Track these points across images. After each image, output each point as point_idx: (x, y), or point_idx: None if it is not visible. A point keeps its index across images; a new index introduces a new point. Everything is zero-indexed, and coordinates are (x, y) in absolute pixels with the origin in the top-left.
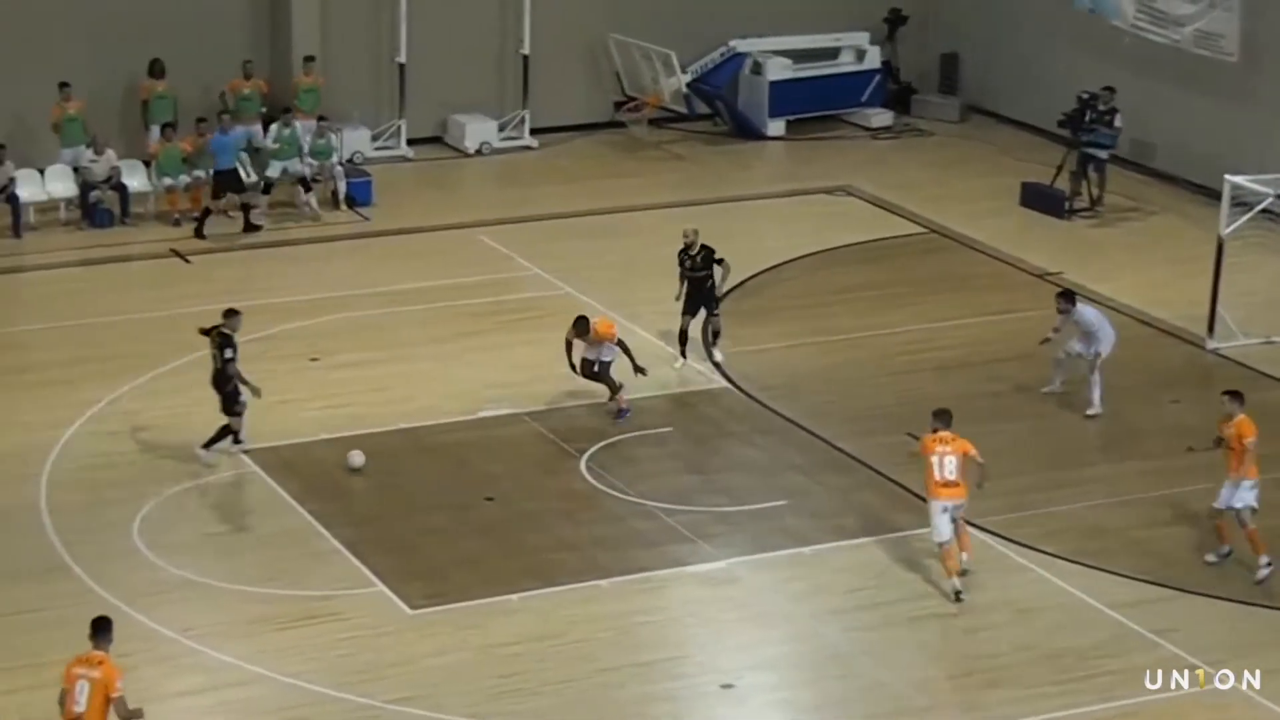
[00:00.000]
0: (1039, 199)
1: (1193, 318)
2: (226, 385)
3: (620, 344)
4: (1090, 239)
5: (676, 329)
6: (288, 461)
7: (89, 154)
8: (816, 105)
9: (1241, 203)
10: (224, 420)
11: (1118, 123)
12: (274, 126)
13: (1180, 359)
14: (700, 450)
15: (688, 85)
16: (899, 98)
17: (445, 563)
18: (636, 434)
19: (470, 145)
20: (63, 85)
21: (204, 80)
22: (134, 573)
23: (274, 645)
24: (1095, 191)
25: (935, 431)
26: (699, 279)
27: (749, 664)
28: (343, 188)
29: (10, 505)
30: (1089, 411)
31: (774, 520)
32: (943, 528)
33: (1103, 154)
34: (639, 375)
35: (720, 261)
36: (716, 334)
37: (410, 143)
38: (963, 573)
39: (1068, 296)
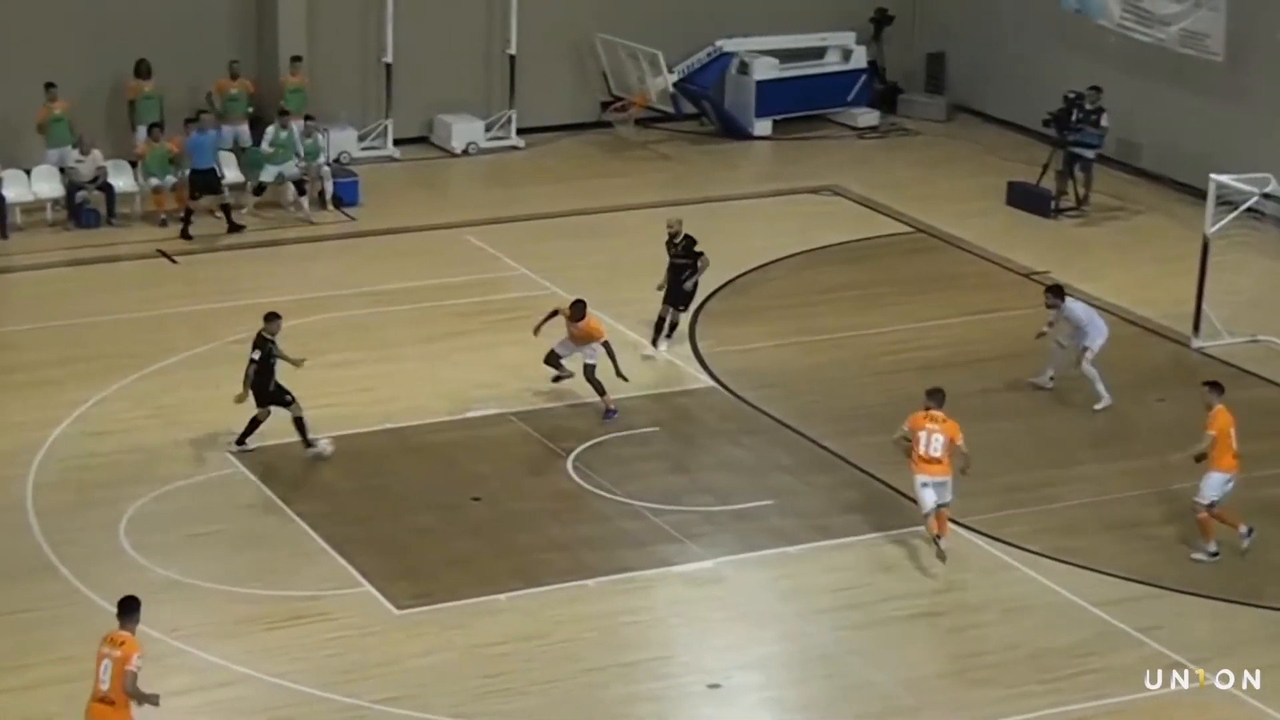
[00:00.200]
0: (1025, 198)
1: (1178, 316)
2: (268, 386)
3: (605, 345)
4: (1076, 238)
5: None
6: (274, 462)
7: (75, 154)
8: (803, 105)
9: (1227, 202)
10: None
11: (1104, 122)
12: (270, 129)
13: (1166, 357)
14: (687, 450)
15: (674, 85)
16: (885, 97)
17: (432, 563)
18: (623, 434)
19: (457, 145)
20: (49, 85)
21: (191, 80)
22: (121, 573)
23: (260, 645)
24: (1081, 191)
25: (927, 409)
26: (678, 267)
27: (736, 664)
28: (329, 188)
29: None
30: (1097, 406)
31: (761, 520)
32: (925, 499)
33: (1089, 153)
34: (620, 379)
35: (700, 255)
36: (673, 327)
37: (397, 143)
38: (940, 554)
39: (1056, 291)
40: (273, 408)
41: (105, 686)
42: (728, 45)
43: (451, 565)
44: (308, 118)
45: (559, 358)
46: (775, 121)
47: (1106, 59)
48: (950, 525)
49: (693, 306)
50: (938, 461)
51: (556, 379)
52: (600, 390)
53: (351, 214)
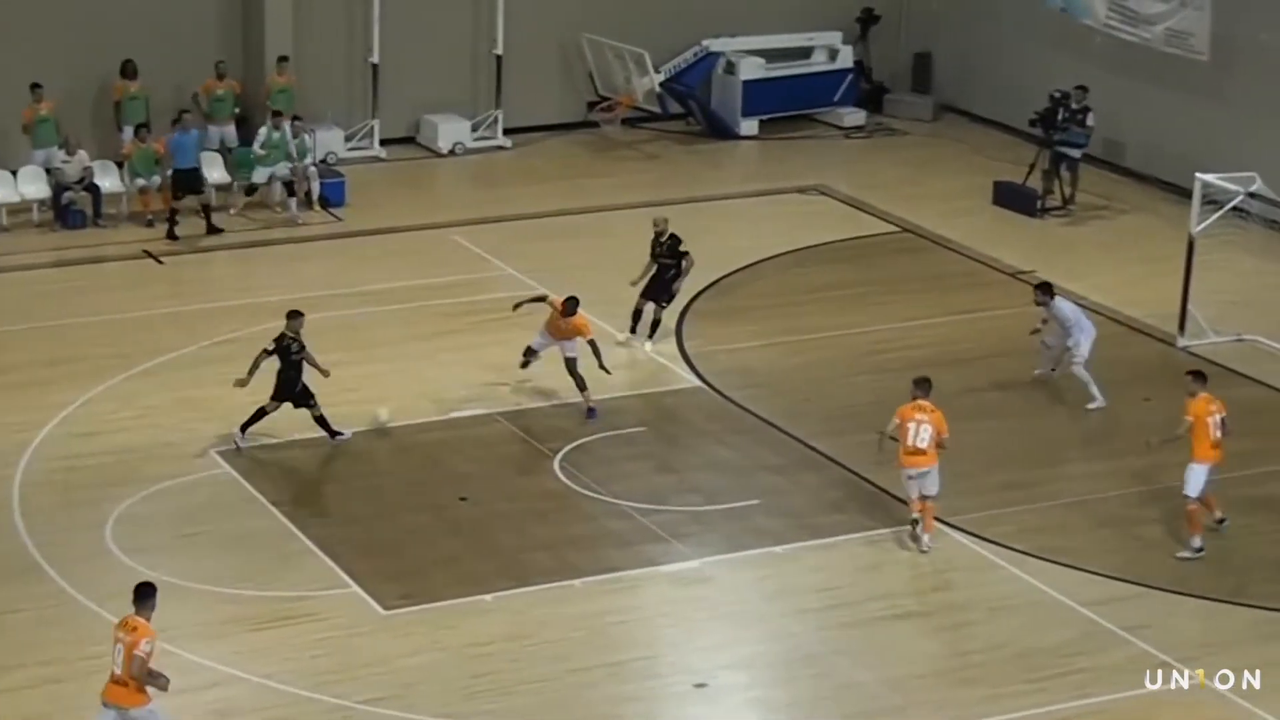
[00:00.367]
0: (1011, 198)
1: (1164, 315)
2: (295, 384)
3: (591, 343)
4: (1062, 237)
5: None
6: (261, 462)
7: (61, 155)
8: (789, 105)
9: (1212, 201)
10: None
11: (1090, 121)
12: (263, 130)
13: (1152, 356)
14: (673, 450)
15: (661, 85)
16: (872, 97)
17: (419, 563)
18: (610, 434)
19: (443, 145)
20: (35, 86)
21: (177, 81)
22: (107, 574)
23: (248, 646)
24: (1067, 190)
25: (914, 399)
26: (663, 266)
27: (722, 663)
28: (316, 188)
29: None
30: (1090, 406)
31: (747, 519)
32: (911, 491)
33: (1075, 153)
34: (604, 373)
35: (685, 255)
36: (656, 324)
37: (383, 143)
38: (914, 535)
39: (1045, 289)
40: (285, 404)
41: (118, 670)
42: (714, 45)
43: (439, 565)
44: (295, 118)
45: (534, 352)
46: (761, 121)
47: (1092, 59)
48: (937, 524)
49: (677, 307)
50: (922, 453)
51: (525, 365)
52: (581, 385)
53: (338, 214)
